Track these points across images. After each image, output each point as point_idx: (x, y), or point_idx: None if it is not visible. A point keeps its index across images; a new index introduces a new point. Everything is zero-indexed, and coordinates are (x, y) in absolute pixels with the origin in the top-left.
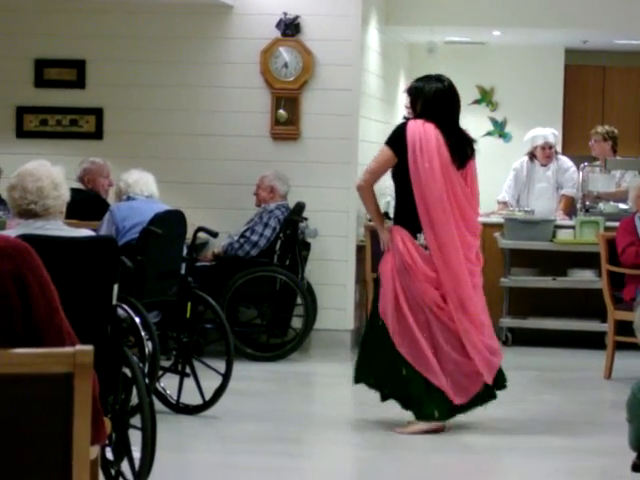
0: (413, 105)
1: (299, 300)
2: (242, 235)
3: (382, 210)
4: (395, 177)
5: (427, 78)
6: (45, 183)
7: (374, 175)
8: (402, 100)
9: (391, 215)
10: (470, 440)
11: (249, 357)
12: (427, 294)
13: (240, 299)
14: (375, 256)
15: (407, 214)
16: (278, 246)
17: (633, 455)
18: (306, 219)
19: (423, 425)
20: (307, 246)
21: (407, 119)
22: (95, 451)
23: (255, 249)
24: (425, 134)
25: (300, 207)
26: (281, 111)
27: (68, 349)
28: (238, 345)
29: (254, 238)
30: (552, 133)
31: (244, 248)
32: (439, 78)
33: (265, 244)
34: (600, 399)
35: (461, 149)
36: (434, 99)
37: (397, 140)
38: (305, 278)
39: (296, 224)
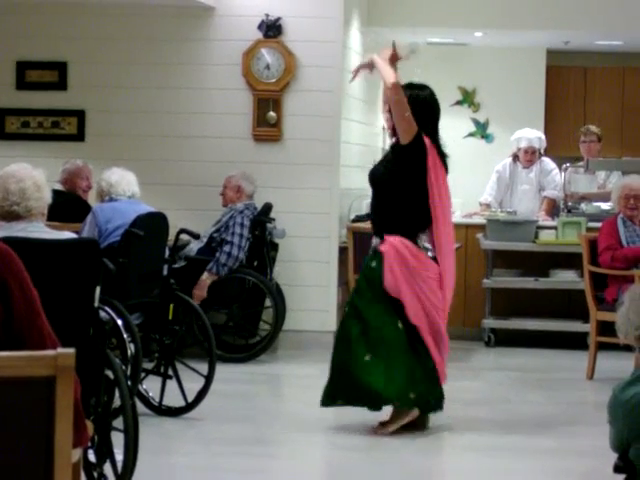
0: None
1: (268, 302)
2: (222, 242)
3: (363, 212)
4: (396, 182)
5: (411, 87)
6: (27, 184)
7: (403, 94)
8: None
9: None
10: (452, 441)
11: (219, 358)
12: (437, 294)
13: (209, 300)
14: (358, 257)
15: (405, 219)
16: (246, 247)
17: (615, 456)
18: (274, 219)
19: (400, 420)
20: (275, 247)
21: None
22: (77, 454)
23: (242, 251)
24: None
25: (268, 208)
26: (271, 113)
27: (50, 352)
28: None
29: (236, 240)
30: (538, 137)
31: (232, 254)
32: (424, 86)
33: (246, 244)
34: (582, 400)
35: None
36: (425, 107)
37: (420, 138)
38: (274, 279)
39: (264, 225)
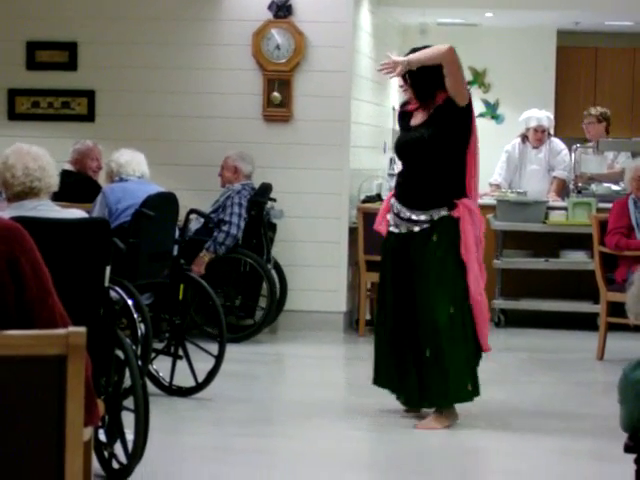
0: (417, 79)
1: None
2: (219, 222)
3: (374, 192)
4: (444, 142)
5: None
6: (45, 161)
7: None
8: (395, 82)
9: (383, 196)
10: (461, 421)
11: (213, 337)
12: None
13: (206, 281)
14: (368, 238)
15: (456, 184)
16: (243, 227)
17: (625, 436)
18: (274, 200)
19: (445, 421)
20: (273, 227)
21: (406, 102)
22: (88, 433)
23: (240, 231)
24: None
25: (265, 188)
26: (275, 93)
27: (61, 331)
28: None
29: (235, 220)
30: (547, 117)
31: (231, 234)
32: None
33: (243, 224)
34: (593, 380)
35: None
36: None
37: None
38: (272, 259)
39: (261, 205)
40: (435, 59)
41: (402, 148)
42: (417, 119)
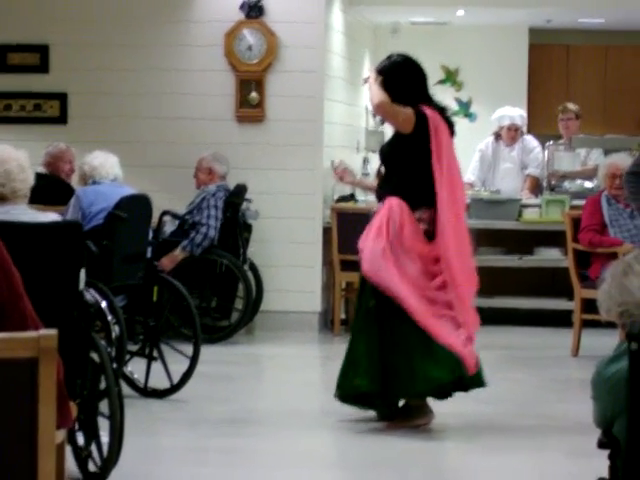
0: (392, 82)
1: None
2: (194, 224)
3: (347, 192)
4: (403, 152)
5: (395, 56)
6: (12, 166)
7: (390, 106)
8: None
9: (357, 196)
10: (437, 420)
11: (189, 339)
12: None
13: (181, 283)
14: (342, 238)
15: (410, 189)
16: (219, 229)
17: (599, 432)
18: (249, 200)
19: (419, 420)
20: (248, 228)
21: None
22: (61, 435)
23: (217, 233)
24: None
25: (241, 189)
26: (253, 94)
27: (32, 334)
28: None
29: (212, 222)
30: (520, 115)
31: (209, 235)
32: (403, 55)
33: (220, 226)
34: (567, 377)
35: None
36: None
37: (420, 116)
38: (248, 260)
39: (236, 206)
40: (371, 105)
41: (379, 154)
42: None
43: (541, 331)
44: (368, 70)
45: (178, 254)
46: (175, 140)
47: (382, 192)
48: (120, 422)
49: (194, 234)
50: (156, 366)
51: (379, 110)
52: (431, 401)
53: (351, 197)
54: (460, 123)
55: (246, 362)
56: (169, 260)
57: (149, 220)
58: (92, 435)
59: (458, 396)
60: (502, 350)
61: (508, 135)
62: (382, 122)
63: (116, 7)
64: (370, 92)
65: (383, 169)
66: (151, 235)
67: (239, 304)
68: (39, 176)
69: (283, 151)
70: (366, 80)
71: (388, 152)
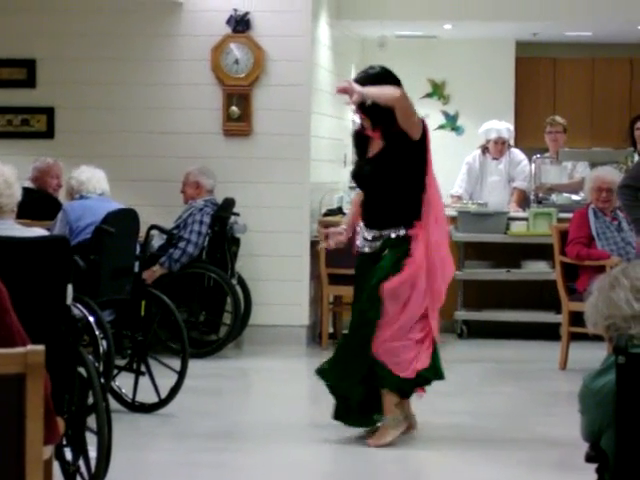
0: (372, 110)
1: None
2: (179, 239)
3: (334, 206)
4: (400, 171)
5: (373, 68)
6: None
7: (410, 103)
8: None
9: (345, 210)
10: (424, 432)
11: (177, 353)
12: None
13: (169, 297)
14: (329, 252)
15: (408, 210)
16: (206, 242)
17: (586, 446)
18: (237, 214)
19: (395, 430)
20: (237, 242)
21: (362, 127)
22: (48, 451)
23: (197, 249)
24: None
25: (228, 203)
26: (234, 108)
27: (19, 349)
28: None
29: (193, 238)
30: (507, 128)
31: (187, 252)
32: (380, 66)
33: (203, 241)
34: (555, 390)
35: None
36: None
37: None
38: (236, 274)
39: (224, 220)
40: (387, 102)
41: (359, 179)
42: (374, 148)
43: (529, 344)
44: (341, 80)
45: (156, 270)
46: (163, 154)
47: (390, 219)
48: (108, 437)
49: (173, 250)
50: (144, 381)
51: (400, 102)
52: (420, 413)
53: (339, 210)
54: (447, 136)
55: (234, 376)
56: (147, 275)
57: (137, 235)
58: (80, 450)
59: (447, 408)
60: (490, 363)
61: (495, 149)
62: None
63: (103, 22)
64: (380, 94)
65: (362, 195)
66: (139, 250)
67: (227, 318)
68: (26, 191)
69: (270, 165)
70: (340, 90)
71: (373, 172)
